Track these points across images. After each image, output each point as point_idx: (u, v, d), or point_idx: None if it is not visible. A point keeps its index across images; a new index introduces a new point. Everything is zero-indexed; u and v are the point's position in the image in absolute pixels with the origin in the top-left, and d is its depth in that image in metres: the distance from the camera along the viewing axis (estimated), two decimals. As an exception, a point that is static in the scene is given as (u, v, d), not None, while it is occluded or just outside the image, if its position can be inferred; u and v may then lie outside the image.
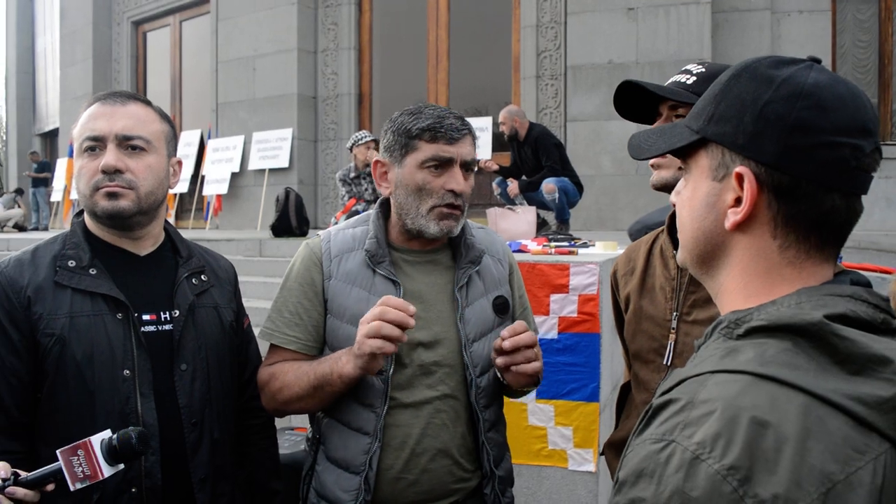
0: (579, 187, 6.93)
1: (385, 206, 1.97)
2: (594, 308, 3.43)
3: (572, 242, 4.85)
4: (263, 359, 1.99)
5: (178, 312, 1.83)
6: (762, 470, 0.71)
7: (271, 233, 8.30)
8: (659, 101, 1.66)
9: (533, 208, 6.22)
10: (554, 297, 3.45)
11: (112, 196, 1.75)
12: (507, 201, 7.06)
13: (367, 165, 7.44)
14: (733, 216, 0.92)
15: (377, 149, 7.60)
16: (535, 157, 6.94)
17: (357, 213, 7.30)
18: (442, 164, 1.82)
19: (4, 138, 23.02)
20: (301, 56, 10.96)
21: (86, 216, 1.86)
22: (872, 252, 7.34)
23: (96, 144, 1.77)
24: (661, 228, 1.83)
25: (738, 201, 0.91)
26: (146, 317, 1.80)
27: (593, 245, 4.67)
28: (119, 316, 1.75)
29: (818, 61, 0.92)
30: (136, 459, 1.57)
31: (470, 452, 1.90)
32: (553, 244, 4.55)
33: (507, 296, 1.98)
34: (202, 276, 1.94)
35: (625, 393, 1.94)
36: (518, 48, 9.79)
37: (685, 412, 0.78)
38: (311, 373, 1.81)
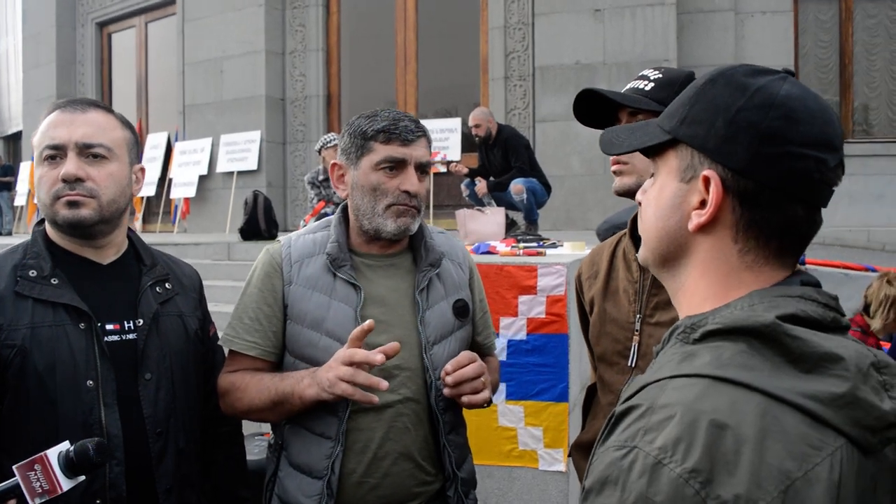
0: (547, 188, 6.97)
1: (346, 211, 1.98)
2: (562, 309, 3.45)
3: (541, 243, 4.88)
4: (224, 365, 1.98)
5: (141, 321, 1.81)
6: (723, 471, 0.73)
7: (240, 236, 8.23)
8: (618, 108, 1.68)
9: (502, 209, 6.24)
10: (522, 298, 3.47)
11: (73, 205, 1.73)
12: (476, 202, 7.08)
13: (337, 168, 7.40)
14: (697, 218, 0.93)
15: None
16: (504, 158, 6.97)
17: (326, 215, 7.27)
18: (396, 165, 1.85)
19: (-34, 142, 22.61)
20: (269, 58, 10.88)
21: (47, 225, 1.83)
22: (837, 248, 7.47)
23: (56, 153, 1.75)
24: (623, 231, 1.84)
25: (702, 204, 0.93)
26: (109, 326, 1.78)
27: (561, 245, 4.70)
28: (82, 326, 1.72)
29: (792, 74, 0.95)
30: (96, 471, 1.55)
31: (431, 455, 1.91)
32: (522, 245, 4.57)
33: (468, 299, 2.01)
34: (166, 285, 1.92)
35: (591, 394, 1.95)
36: (486, 49, 9.81)
37: (645, 418, 0.80)
38: (272, 388, 1.82)
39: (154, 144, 12.63)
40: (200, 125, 11.58)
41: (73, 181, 1.73)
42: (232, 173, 11.02)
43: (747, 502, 0.72)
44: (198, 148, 11.57)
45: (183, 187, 11.67)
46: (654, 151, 1.01)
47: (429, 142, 1.93)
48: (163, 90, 12.83)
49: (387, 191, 1.86)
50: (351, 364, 1.70)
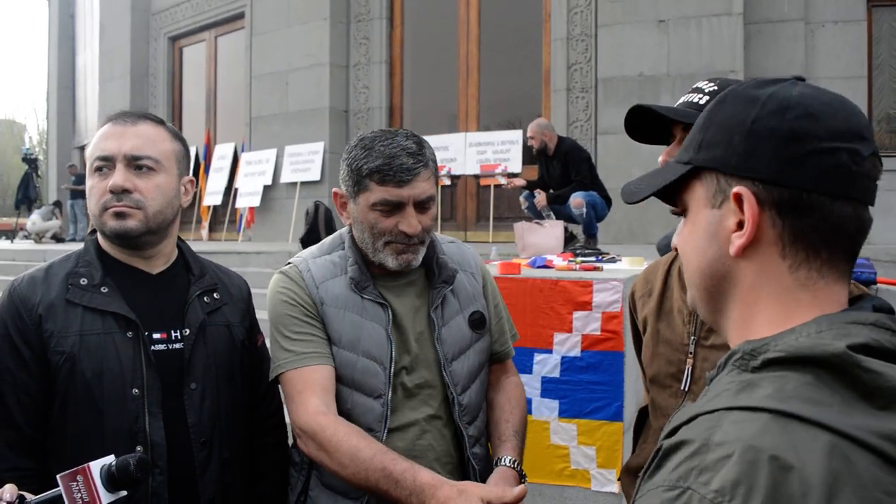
0: (608, 201, 6.88)
1: None
2: (618, 326, 3.38)
3: (599, 258, 4.80)
4: (291, 395, 1.82)
5: (188, 331, 1.83)
6: None
7: (300, 245, 8.35)
8: (672, 123, 1.63)
9: (560, 222, 6.17)
10: (577, 314, 3.41)
11: (119, 216, 1.76)
12: (535, 214, 7.03)
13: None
14: (738, 240, 0.87)
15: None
16: (564, 171, 6.90)
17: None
18: (393, 207, 1.77)
19: (45, 151, 23.51)
20: (333, 70, 11.05)
21: (98, 235, 1.87)
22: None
23: (105, 164, 1.79)
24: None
25: (740, 225, 0.87)
26: (156, 335, 1.80)
27: (620, 260, 4.62)
28: (129, 334, 1.75)
29: (802, 79, 0.90)
30: (137, 486, 1.57)
31: (456, 468, 1.91)
32: (579, 259, 4.51)
33: (483, 309, 1.98)
34: (214, 294, 1.94)
35: (643, 417, 1.90)
36: (549, 61, 9.76)
37: (700, 455, 0.72)
38: (371, 480, 1.66)
39: (221, 155, 12.93)
40: (266, 136, 11.82)
41: (119, 192, 1.76)
42: (295, 184, 11.21)
43: None
44: (263, 158, 11.81)
45: (248, 197, 11.91)
46: (678, 189, 0.95)
47: (433, 170, 1.82)
48: (231, 102, 13.14)
49: (384, 230, 1.79)
50: None
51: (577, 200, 6.55)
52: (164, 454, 1.74)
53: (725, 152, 0.88)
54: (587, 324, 3.40)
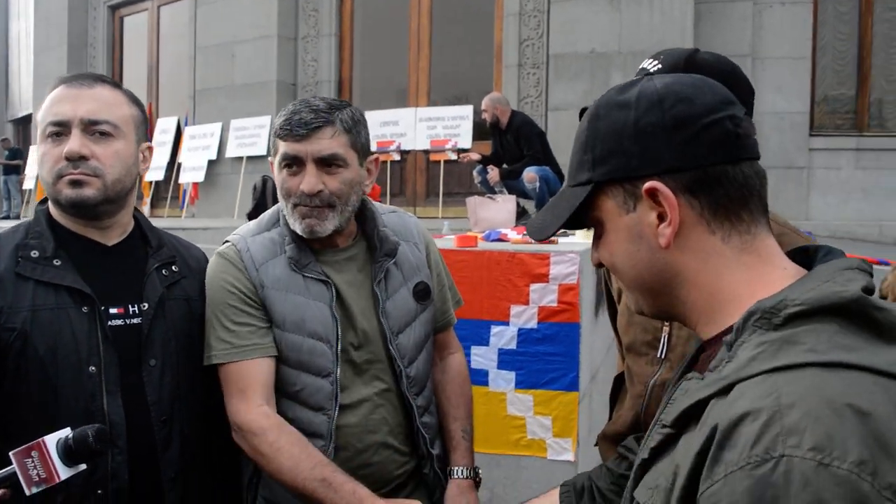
0: (560, 176, 6.91)
1: None
2: (574, 297, 3.40)
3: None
4: (231, 391, 1.81)
5: (146, 305, 1.76)
6: (884, 458, 0.68)
7: (247, 221, 8.20)
8: None
9: (513, 197, 6.18)
10: (534, 286, 3.42)
11: (76, 184, 1.67)
12: (488, 190, 7.03)
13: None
14: (666, 230, 0.91)
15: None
16: (517, 146, 6.91)
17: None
18: (294, 163, 1.74)
19: (-22, 124, 22.69)
20: (281, 42, 10.83)
21: (50, 204, 1.78)
22: (847, 241, 7.39)
23: (60, 130, 1.69)
24: None
25: (660, 218, 0.92)
26: (113, 310, 1.72)
27: (573, 234, 4.64)
28: (84, 309, 1.67)
29: (651, 74, 0.98)
30: (96, 458, 1.50)
31: (407, 438, 1.93)
32: (533, 233, 4.51)
33: (427, 280, 1.96)
34: (173, 267, 1.86)
35: (618, 384, 1.91)
36: (500, 36, 9.72)
37: (777, 422, 0.71)
38: (308, 487, 1.68)
39: (164, 129, 12.61)
40: (211, 110, 11.55)
41: (76, 159, 1.66)
42: (241, 158, 10.99)
43: (878, 488, 0.67)
44: (207, 132, 11.55)
45: (192, 172, 11.65)
46: (585, 211, 0.99)
47: (345, 130, 1.76)
48: (174, 74, 12.80)
49: (290, 190, 1.76)
50: None
51: (530, 175, 6.57)
52: (123, 433, 1.68)
53: (622, 159, 0.93)
54: (544, 296, 3.41)
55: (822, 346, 0.77)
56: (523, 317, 3.42)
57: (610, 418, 1.90)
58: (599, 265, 1.05)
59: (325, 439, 1.80)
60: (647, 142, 0.91)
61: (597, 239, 1.02)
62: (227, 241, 1.91)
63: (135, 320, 1.74)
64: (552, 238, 4.15)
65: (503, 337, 3.45)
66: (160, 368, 1.76)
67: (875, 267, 6.55)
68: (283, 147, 1.75)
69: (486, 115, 7.00)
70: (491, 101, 7.01)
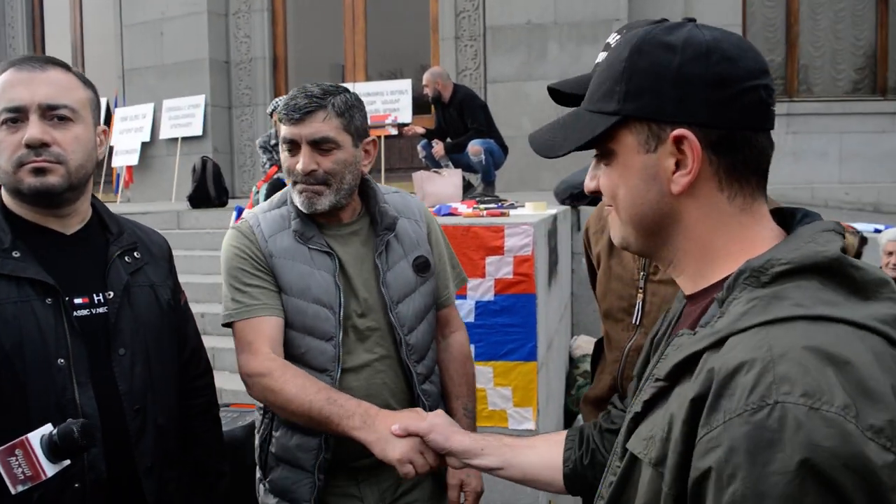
0: (504, 148, 6.95)
1: None
2: (529, 269, 3.45)
3: (500, 204, 4.86)
4: (242, 345, 1.95)
5: (112, 294, 1.72)
6: (866, 402, 0.74)
7: (189, 204, 8.04)
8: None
9: (459, 171, 6.19)
10: (489, 259, 3.46)
11: (39, 172, 1.62)
12: (433, 164, 7.02)
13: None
14: (682, 179, 0.94)
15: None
16: (461, 119, 6.91)
17: (280, 181, 7.13)
18: (293, 146, 1.92)
19: None
20: (211, 19, 10.54)
21: (4, 194, 1.71)
22: (782, 204, 7.62)
23: (17, 116, 1.62)
24: None
25: (678, 165, 0.94)
26: (78, 300, 1.68)
27: (522, 206, 4.69)
28: (48, 301, 1.63)
29: (694, 20, 0.99)
30: (81, 454, 1.48)
31: (408, 403, 2.03)
32: (483, 206, 4.55)
33: (427, 254, 2.09)
34: (135, 254, 1.83)
35: (598, 349, 1.97)
36: (436, 9, 9.65)
37: (770, 371, 0.77)
38: (315, 406, 1.80)
39: (93, 110, 12.20)
40: (141, 90, 11.19)
41: (38, 146, 1.61)
42: (176, 139, 10.71)
43: (863, 429, 0.73)
44: (139, 114, 11.20)
45: (125, 155, 11.30)
46: (601, 139, 1.00)
47: (339, 115, 1.91)
48: (100, 54, 12.35)
49: (289, 170, 1.94)
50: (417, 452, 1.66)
51: (475, 148, 6.59)
52: (97, 425, 1.64)
53: (657, 100, 0.94)
54: (500, 268, 3.45)
55: (808, 301, 0.83)
56: (480, 289, 3.46)
57: (591, 383, 1.96)
58: (595, 192, 1.06)
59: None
60: (685, 90, 0.93)
61: (605, 168, 1.03)
62: (241, 220, 2.08)
63: (100, 309, 1.71)
64: (503, 211, 4.20)
65: (461, 310, 3.44)
66: (130, 357, 1.73)
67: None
68: (283, 130, 1.92)
69: (427, 90, 6.97)
70: (432, 75, 6.98)
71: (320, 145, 1.90)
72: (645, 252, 1.05)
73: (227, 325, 2.00)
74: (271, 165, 7.32)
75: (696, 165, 0.93)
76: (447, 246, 2.24)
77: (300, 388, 1.82)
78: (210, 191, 7.95)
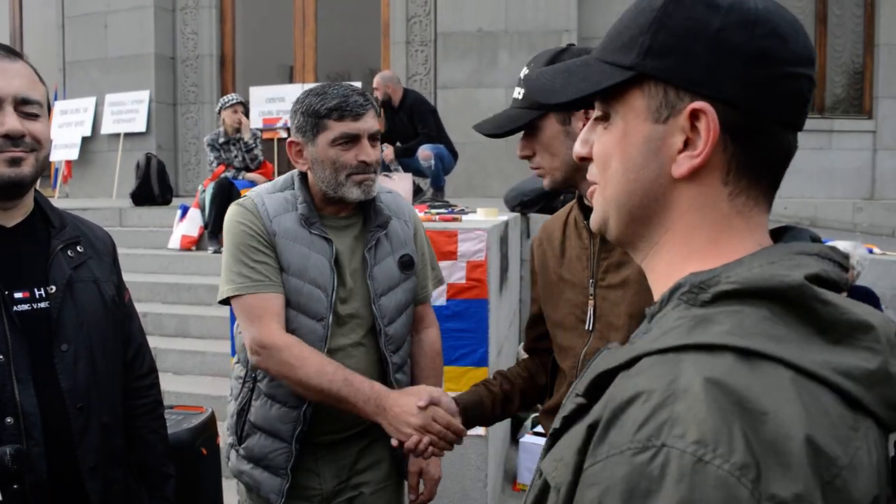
0: (454, 154, 6.97)
1: (304, 175, 2.15)
2: (482, 274, 3.46)
3: (451, 209, 4.87)
4: (251, 317, 2.03)
5: (54, 288, 1.67)
6: (774, 466, 0.60)
7: (131, 201, 7.86)
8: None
9: (409, 175, 6.18)
10: (442, 263, 3.43)
11: (15, 162, 1.58)
12: (382, 168, 7.00)
13: (237, 130, 7.15)
14: (688, 161, 0.79)
15: (245, 112, 7.36)
16: (411, 124, 6.91)
17: (227, 179, 7.03)
18: (350, 140, 2.02)
19: None
20: (158, 13, 10.33)
21: None
22: (771, 222, 7.82)
23: None
24: (574, 200, 1.86)
25: (685, 145, 0.80)
26: (18, 294, 1.63)
27: (474, 212, 4.70)
28: None
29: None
30: (15, 481, 1.43)
31: None
32: (434, 211, 4.55)
33: (413, 254, 2.22)
34: (78, 248, 1.77)
35: (556, 361, 1.97)
36: (387, 13, 9.65)
37: (667, 407, 0.64)
38: (333, 386, 1.93)
39: (30, 103, 11.84)
40: (83, 83, 10.90)
41: (18, 137, 1.58)
42: (118, 135, 10.45)
43: (801, 499, 0.60)
44: (80, 108, 10.90)
45: (64, 149, 10.97)
46: (607, 93, 0.85)
47: (376, 111, 2.09)
48: (40, 45, 11.97)
49: (346, 163, 2.02)
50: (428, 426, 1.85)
51: (425, 153, 6.59)
52: (38, 423, 1.59)
53: (683, 63, 0.79)
54: (453, 273, 3.45)
55: (743, 330, 0.68)
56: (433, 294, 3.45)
57: (550, 394, 1.97)
58: (585, 158, 0.91)
59: None
60: (720, 58, 0.78)
61: (602, 131, 0.88)
62: (244, 198, 2.16)
63: (42, 304, 1.66)
64: (455, 216, 4.19)
65: (412, 314, 3.47)
66: (73, 354, 1.68)
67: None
68: (340, 127, 2.01)
69: (377, 94, 6.95)
70: (382, 79, 6.97)
71: (374, 138, 2.08)
72: (622, 240, 0.90)
73: (225, 301, 2.10)
74: (219, 164, 7.21)
75: (708, 150, 0.78)
76: (429, 247, 2.38)
77: (319, 367, 1.95)
78: (154, 188, 7.79)
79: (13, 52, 1.66)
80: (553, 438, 0.81)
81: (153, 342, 5.61)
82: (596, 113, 0.88)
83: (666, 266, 0.84)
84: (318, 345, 2.04)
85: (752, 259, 0.76)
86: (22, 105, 1.60)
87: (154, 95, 10.31)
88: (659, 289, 0.85)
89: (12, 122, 1.57)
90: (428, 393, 1.88)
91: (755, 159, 0.80)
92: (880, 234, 8.04)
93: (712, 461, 0.60)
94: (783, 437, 0.61)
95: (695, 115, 0.78)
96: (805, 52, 0.80)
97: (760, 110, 0.78)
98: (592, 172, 0.90)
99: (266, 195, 2.12)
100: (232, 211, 2.12)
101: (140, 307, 6.32)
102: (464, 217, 4.30)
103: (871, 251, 5.86)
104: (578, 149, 0.91)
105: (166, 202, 8.00)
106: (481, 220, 4.12)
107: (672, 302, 0.77)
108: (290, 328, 2.05)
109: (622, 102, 0.83)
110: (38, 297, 1.66)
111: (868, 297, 4.94)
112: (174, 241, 7.11)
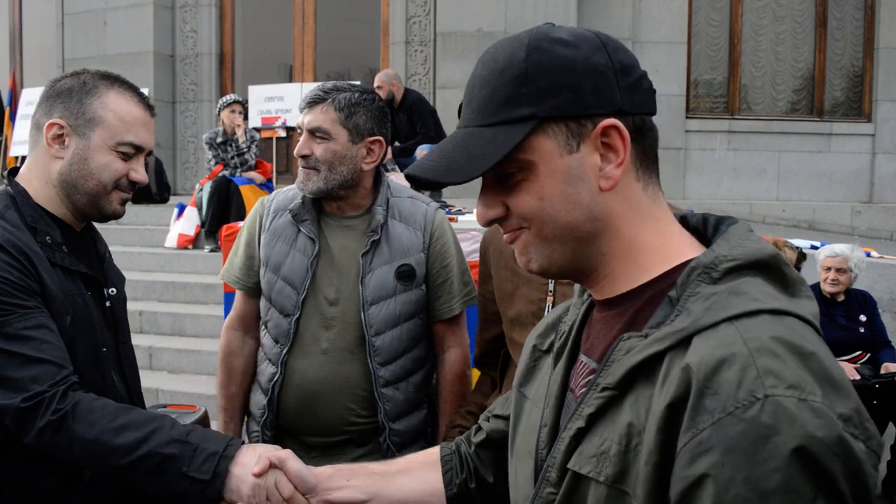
0: (452, 155, 6.93)
1: None
2: (477, 274, 3.43)
3: (448, 210, 4.86)
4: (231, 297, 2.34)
5: (115, 290, 1.82)
6: (831, 391, 0.74)
7: (130, 200, 7.83)
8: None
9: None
10: (437, 264, 3.43)
11: (124, 203, 1.83)
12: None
13: (234, 131, 7.14)
14: (615, 171, 0.89)
15: (244, 111, 7.34)
16: (410, 124, 6.90)
17: (225, 178, 7.01)
18: (302, 132, 2.09)
19: None
20: (157, 11, 10.32)
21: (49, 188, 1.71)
22: (769, 225, 7.82)
23: None
24: None
25: (602, 161, 0.90)
26: (106, 292, 1.80)
27: (470, 212, 4.69)
28: (90, 293, 1.72)
29: (550, 24, 0.97)
30: None
31: (366, 401, 2.09)
32: (431, 211, 4.53)
33: (417, 264, 2.12)
34: (108, 253, 1.91)
35: (507, 357, 1.96)
36: (387, 12, 9.64)
37: (753, 365, 0.75)
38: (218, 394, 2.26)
39: (29, 100, 11.72)
40: (82, 81, 10.89)
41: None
42: (117, 133, 10.45)
43: (858, 412, 0.75)
44: (79, 105, 10.89)
45: (62, 146, 10.98)
46: (508, 156, 0.89)
47: (337, 108, 2.05)
48: (40, 42, 11.97)
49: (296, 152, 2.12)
50: None
51: (423, 153, 6.56)
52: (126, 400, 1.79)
53: (574, 95, 0.88)
54: (448, 273, 3.42)
55: (762, 295, 0.82)
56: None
57: (500, 391, 1.95)
58: (495, 221, 0.95)
59: (275, 367, 2.12)
60: (599, 80, 0.88)
61: (512, 187, 0.92)
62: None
63: (107, 303, 1.80)
64: (451, 217, 4.17)
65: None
66: (129, 349, 1.86)
67: (775, 249, 6.94)
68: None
69: (381, 92, 6.93)
70: (387, 77, 6.95)
71: (315, 134, 2.05)
72: (568, 270, 0.95)
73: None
74: (217, 163, 7.20)
75: (627, 155, 0.89)
76: (460, 262, 2.25)
77: (224, 375, 2.27)
78: (152, 186, 7.78)
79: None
80: (576, 439, 0.88)
81: (149, 341, 5.62)
82: (497, 176, 0.92)
83: (621, 266, 0.93)
84: (283, 339, 2.10)
85: (729, 238, 0.90)
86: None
87: (153, 93, 10.27)
88: (612, 289, 0.95)
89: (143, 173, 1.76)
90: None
91: (647, 151, 0.93)
92: (879, 237, 8.04)
93: (807, 398, 0.73)
94: (828, 368, 0.76)
95: (606, 132, 0.89)
96: (633, 56, 0.94)
97: (638, 109, 0.91)
98: (511, 223, 0.94)
99: (286, 190, 2.23)
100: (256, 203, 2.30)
101: (136, 305, 6.33)
102: (460, 217, 4.30)
103: (868, 254, 5.85)
104: (487, 213, 0.95)
105: (163, 200, 7.99)
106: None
107: (692, 283, 0.86)
108: (265, 319, 2.19)
109: (531, 151, 0.89)
110: (107, 296, 1.80)
111: (865, 299, 4.95)
112: (171, 240, 7.10)
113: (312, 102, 2.06)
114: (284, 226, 2.13)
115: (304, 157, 2.06)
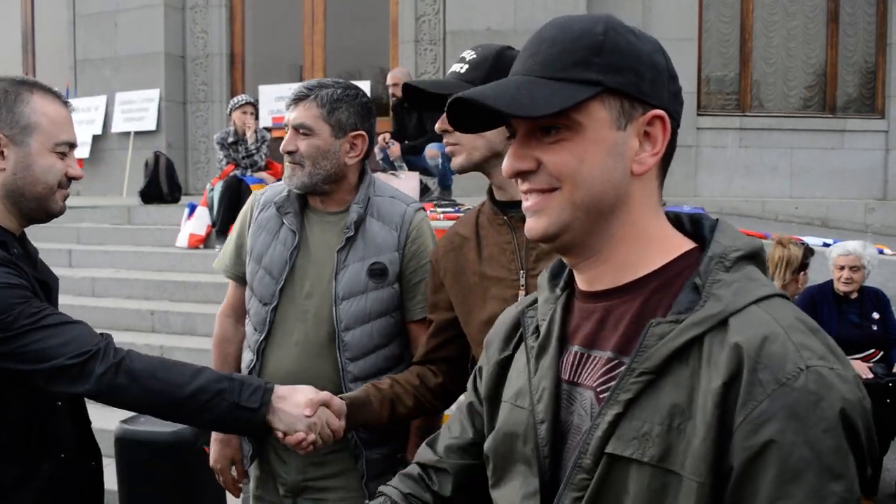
0: (462, 153, 6.92)
1: None
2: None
3: (457, 208, 4.86)
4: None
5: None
6: (840, 360, 0.87)
7: (140, 199, 7.89)
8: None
9: (416, 174, 6.18)
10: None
11: None
12: (388, 166, 6.99)
13: (245, 132, 7.17)
14: (649, 159, 0.98)
15: (255, 112, 7.37)
16: (420, 122, 6.90)
17: (236, 177, 7.04)
18: (288, 129, 2.14)
19: None
20: (168, 12, 10.36)
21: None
22: (734, 217, 7.75)
23: None
24: (479, 204, 1.89)
25: (639, 147, 0.98)
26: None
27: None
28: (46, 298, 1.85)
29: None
30: None
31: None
32: (440, 210, 4.54)
33: (390, 263, 2.15)
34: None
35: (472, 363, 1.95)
36: (396, 11, 9.64)
37: (788, 340, 0.86)
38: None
39: (42, 101, 11.88)
40: (94, 82, 10.94)
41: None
42: (129, 133, 10.49)
43: (855, 375, 0.87)
44: (91, 106, 10.95)
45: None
46: (564, 110, 0.95)
47: (319, 105, 2.10)
48: (52, 43, 12.04)
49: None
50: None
51: (432, 151, 6.57)
52: None
53: (636, 79, 0.96)
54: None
55: (766, 281, 0.94)
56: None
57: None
58: (523, 173, 0.99)
59: (254, 354, 2.19)
60: (657, 76, 0.97)
61: (551, 144, 0.97)
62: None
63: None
64: (458, 215, 4.17)
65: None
66: None
67: (762, 241, 6.90)
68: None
69: (395, 90, 6.93)
70: (402, 74, 6.95)
71: (299, 130, 2.10)
72: (574, 245, 0.99)
73: None
74: (228, 163, 7.23)
75: (663, 148, 0.98)
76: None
77: (219, 361, 2.38)
78: (163, 187, 7.82)
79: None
80: (613, 424, 0.92)
81: (160, 340, 5.65)
82: (540, 126, 0.97)
83: (626, 254, 1.00)
84: (260, 327, 2.18)
85: (726, 233, 0.99)
86: None
87: (164, 94, 10.34)
88: (615, 278, 1.00)
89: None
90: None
91: (669, 155, 1.01)
92: (892, 234, 7.96)
93: (834, 366, 0.85)
94: (832, 342, 0.89)
95: (652, 121, 0.97)
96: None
97: (676, 116, 1.00)
98: (540, 181, 0.98)
99: (274, 184, 2.34)
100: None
101: (147, 305, 6.37)
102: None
103: (881, 251, 5.81)
104: (518, 164, 0.99)
105: (175, 200, 8.02)
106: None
107: (713, 271, 0.94)
108: (248, 305, 2.27)
109: (585, 114, 0.95)
110: (55, 300, 1.91)
111: (878, 297, 4.91)
112: (182, 240, 7.13)
113: (297, 99, 2.12)
114: (269, 218, 2.21)
115: (289, 152, 2.12)
